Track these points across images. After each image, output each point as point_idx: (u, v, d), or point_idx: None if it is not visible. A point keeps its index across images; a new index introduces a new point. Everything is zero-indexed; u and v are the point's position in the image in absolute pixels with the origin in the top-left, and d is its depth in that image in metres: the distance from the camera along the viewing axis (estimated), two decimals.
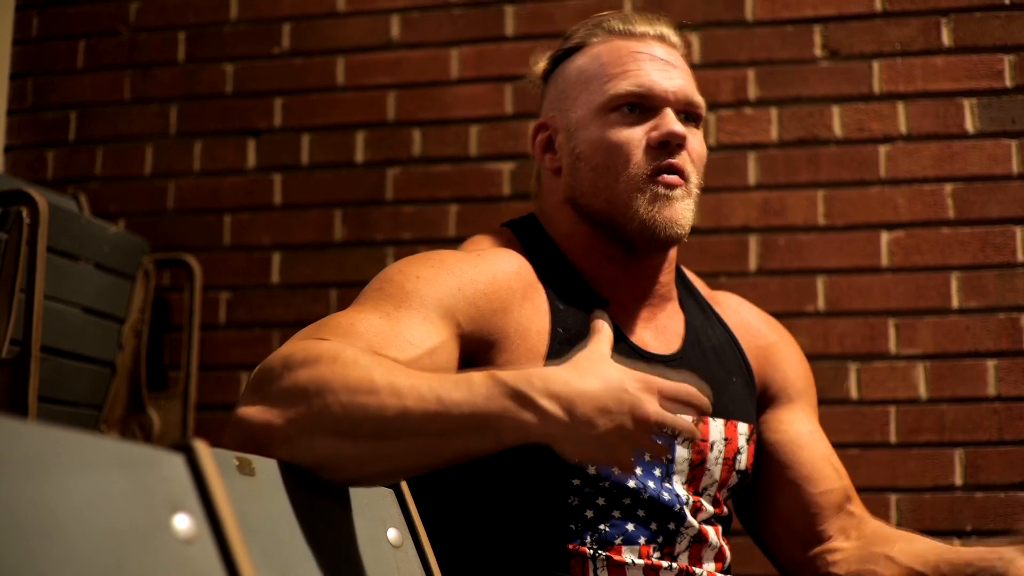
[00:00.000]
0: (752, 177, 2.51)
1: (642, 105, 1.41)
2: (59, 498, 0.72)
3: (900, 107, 2.47)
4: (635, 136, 1.40)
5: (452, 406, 1.00)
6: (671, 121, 1.39)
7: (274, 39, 2.78)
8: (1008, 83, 2.42)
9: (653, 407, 1.02)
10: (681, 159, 1.40)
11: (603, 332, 1.11)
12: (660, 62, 1.43)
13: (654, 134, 1.39)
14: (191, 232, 2.74)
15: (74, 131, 2.85)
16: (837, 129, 2.49)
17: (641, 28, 1.45)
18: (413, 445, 1.03)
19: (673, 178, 1.39)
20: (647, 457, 1.35)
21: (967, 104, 2.44)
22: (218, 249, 2.73)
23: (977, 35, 2.45)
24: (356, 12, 2.74)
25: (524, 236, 1.47)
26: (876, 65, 2.49)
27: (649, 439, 1.02)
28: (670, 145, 1.39)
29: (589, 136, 1.42)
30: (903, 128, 2.46)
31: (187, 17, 2.83)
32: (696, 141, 1.44)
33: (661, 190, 1.38)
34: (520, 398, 1.00)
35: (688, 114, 1.44)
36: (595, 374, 1.02)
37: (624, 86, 1.41)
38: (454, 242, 2.55)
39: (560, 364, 1.05)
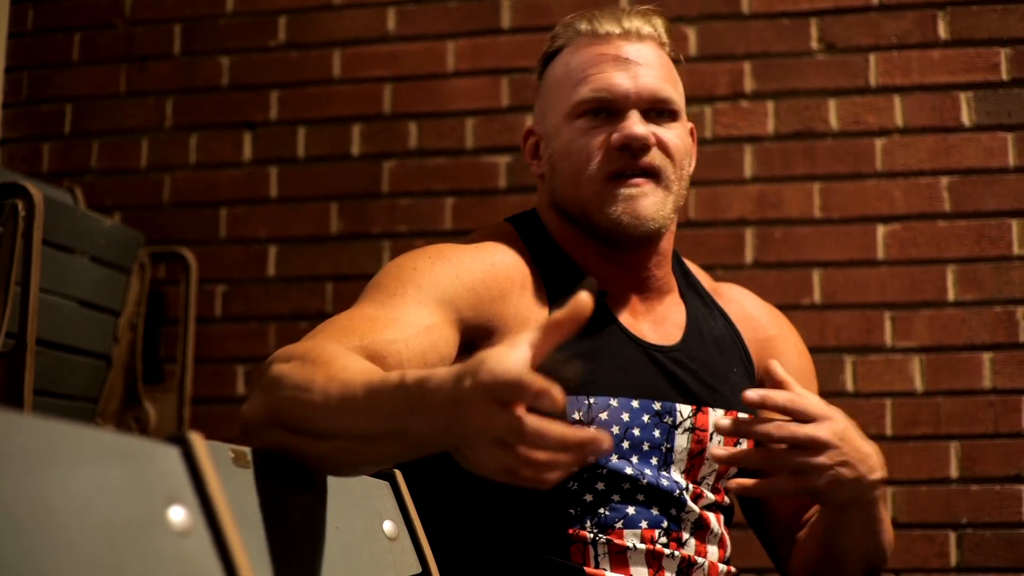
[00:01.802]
0: (748, 170, 2.50)
1: (607, 109, 1.40)
2: (55, 491, 0.72)
3: (896, 100, 2.46)
4: (595, 141, 1.39)
5: (365, 411, 0.97)
6: (631, 124, 1.38)
7: (270, 32, 2.77)
8: (1004, 76, 2.42)
9: (476, 413, 0.86)
10: (649, 158, 1.39)
11: (525, 336, 0.88)
12: (624, 62, 1.41)
13: (614, 137, 1.39)
14: (187, 225, 2.74)
15: (70, 124, 2.84)
16: (833, 122, 2.49)
17: (606, 28, 1.44)
18: (343, 446, 1.02)
19: (638, 180, 1.39)
20: (634, 456, 1.35)
21: (963, 97, 2.43)
22: (214, 242, 2.72)
23: (973, 28, 2.45)
24: (352, 5, 2.74)
25: (524, 230, 1.48)
26: (872, 58, 2.49)
27: (505, 452, 0.86)
28: (631, 148, 1.38)
29: (560, 143, 1.43)
30: (899, 121, 2.46)
31: (183, 10, 2.83)
32: (672, 135, 1.42)
33: (623, 190, 1.38)
34: (408, 404, 0.93)
35: (661, 111, 1.42)
36: (455, 373, 0.89)
37: (584, 92, 1.41)
38: (450, 235, 2.55)
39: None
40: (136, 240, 2.58)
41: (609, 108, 1.40)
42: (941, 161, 2.43)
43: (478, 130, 2.64)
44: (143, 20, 2.84)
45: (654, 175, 1.39)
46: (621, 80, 1.40)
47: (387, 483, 1.22)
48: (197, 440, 0.88)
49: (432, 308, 1.27)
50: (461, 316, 1.30)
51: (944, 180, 2.42)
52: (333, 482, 1.11)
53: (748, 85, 2.53)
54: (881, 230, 2.43)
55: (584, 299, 0.88)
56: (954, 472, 2.31)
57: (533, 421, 0.85)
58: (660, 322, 1.47)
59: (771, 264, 2.47)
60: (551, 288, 1.40)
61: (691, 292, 1.55)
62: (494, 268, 1.36)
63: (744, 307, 1.61)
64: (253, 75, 2.76)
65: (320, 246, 2.67)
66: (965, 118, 2.43)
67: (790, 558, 1.51)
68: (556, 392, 0.83)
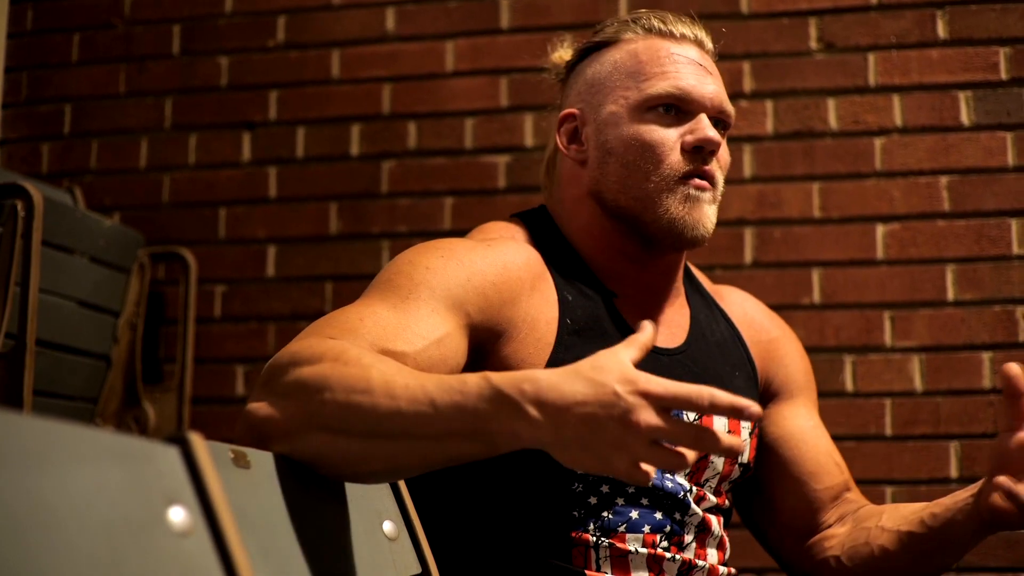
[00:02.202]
0: (748, 170, 2.51)
1: (678, 107, 1.41)
2: (55, 491, 0.72)
3: (895, 100, 2.46)
4: (670, 137, 1.40)
5: (444, 410, 0.99)
6: (707, 127, 1.39)
7: (269, 32, 2.77)
8: (1003, 75, 2.42)
9: (645, 415, 0.92)
10: (713, 166, 1.41)
11: (636, 337, 1.00)
12: (698, 67, 1.43)
13: (689, 138, 1.39)
14: (186, 225, 2.74)
15: (69, 124, 2.84)
16: (833, 122, 2.49)
17: (681, 30, 1.45)
18: (407, 447, 1.03)
19: (704, 182, 1.40)
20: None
21: (962, 96, 2.44)
22: (213, 242, 2.72)
23: (972, 27, 2.45)
24: (351, 5, 2.74)
25: (534, 228, 1.47)
26: (871, 58, 2.49)
27: (650, 449, 0.93)
28: (704, 151, 1.40)
29: (622, 132, 1.42)
30: (898, 121, 2.46)
31: (182, 10, 2.83)
32: (723, 149, 1.44)
33: (692, 191, 1.39)
34: (510, 405, 0.97)
35: (718, 121, 1.44)
36: (589, 378, 0.95)
37: (663, 87, 1.40)
38: (449, 235, 2.54)
39: (567, 365, 1.01)
40: (135, 240, 2.58)
41: (682, 107, 1.41)
42: (940, 161, 2.43)
43: (477, 130, 2.64)
44: (142, 20, 2.85)
45: (712, 184, 1.41)
46: (698, 83, 1.41)
47: (387, 483, 1.21)
48: (197, 440, 0.88)
49: (444, 316, 1.26)
50: (470, 321, 1.29)
51: (943, 180, 2.42)
52: (333, 483, 1.11)
53: (747, 85, 2.53)
54: (880, 230, 2.44)
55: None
56: (954, 472, 2.31)
57: (705, 427, 0.94)
58: (666, 324, 1.47)
59: (771, 264, 2.47)
60: (560, 287, 1.39)
61: (695, 295, 1.55)
62: (506, 270, 1.35)
63: (745, 310, 1.61)
64: (252, 75, 2.76)
65: (319, 246, 2.67)
66: (964, 117, 2.43)
67: (824, 557, 1.48)
68: (754, 408, 0.93)
